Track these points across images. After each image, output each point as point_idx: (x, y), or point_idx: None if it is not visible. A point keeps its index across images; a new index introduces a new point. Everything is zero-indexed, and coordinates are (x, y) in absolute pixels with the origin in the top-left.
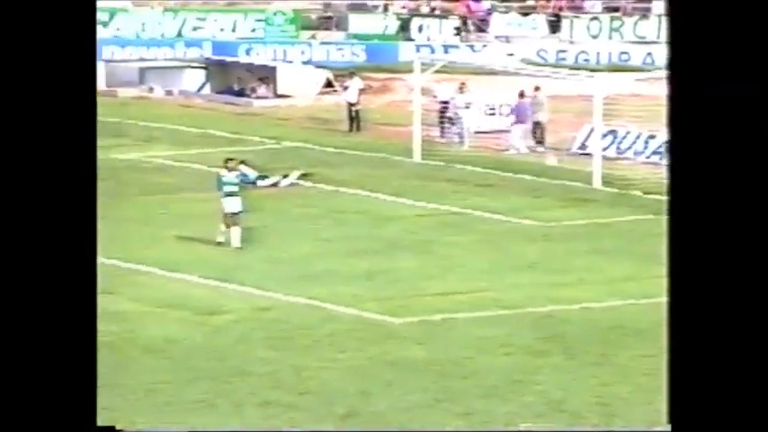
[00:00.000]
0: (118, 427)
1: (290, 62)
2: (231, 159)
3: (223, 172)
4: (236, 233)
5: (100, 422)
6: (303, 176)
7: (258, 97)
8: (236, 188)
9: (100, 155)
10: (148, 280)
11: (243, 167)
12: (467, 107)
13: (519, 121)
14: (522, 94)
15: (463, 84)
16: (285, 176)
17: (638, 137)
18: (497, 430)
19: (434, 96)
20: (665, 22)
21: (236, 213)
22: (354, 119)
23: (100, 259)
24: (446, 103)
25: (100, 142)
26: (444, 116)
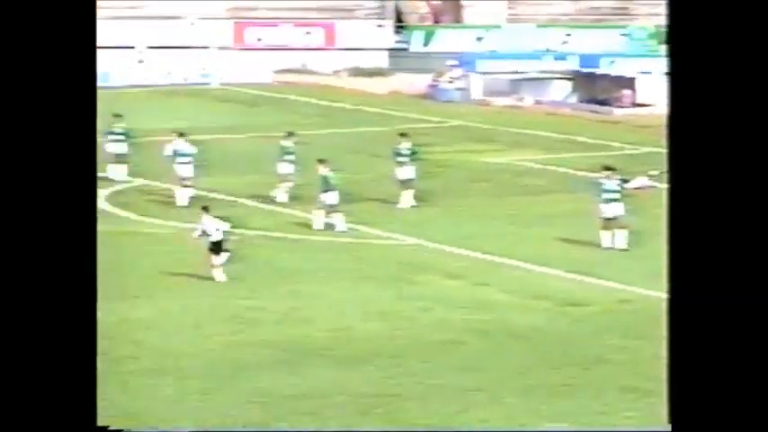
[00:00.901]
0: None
1: (649, 73)
2: (609, 168)
3: (603, 179)
4: (621, 235)
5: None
6: (660, 175)
7: (619, 106)
8: (617, 194)
9: (475, 158)
10: (518, 273)
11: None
12: None
13: None
14: None
15: None
16: (651, 177)
17: None
18: (494, 430)
19: None
20: None
21: (616, 218)
22: None
23: (467, 252)
24: None
25: (475, 147)
26: None
